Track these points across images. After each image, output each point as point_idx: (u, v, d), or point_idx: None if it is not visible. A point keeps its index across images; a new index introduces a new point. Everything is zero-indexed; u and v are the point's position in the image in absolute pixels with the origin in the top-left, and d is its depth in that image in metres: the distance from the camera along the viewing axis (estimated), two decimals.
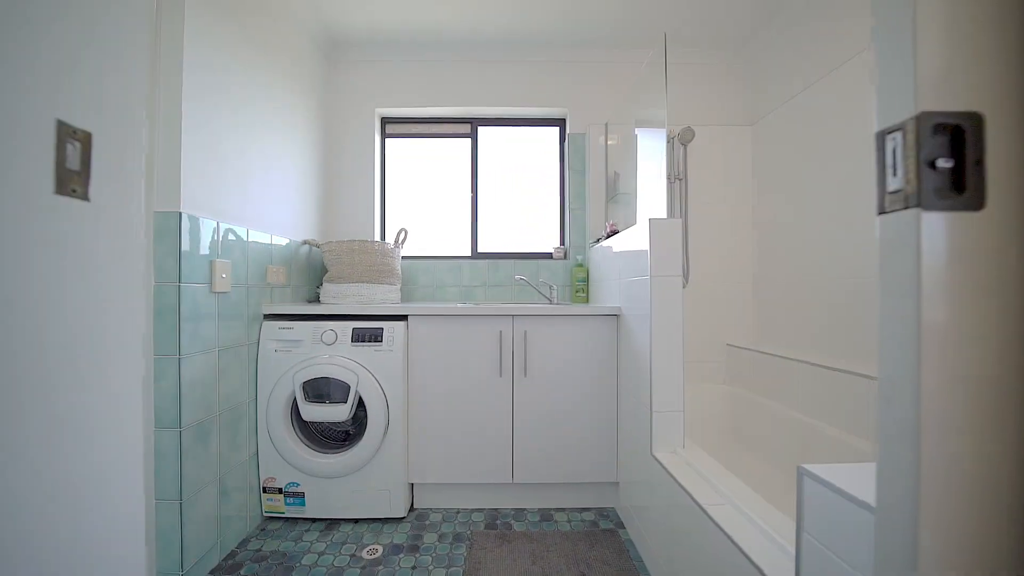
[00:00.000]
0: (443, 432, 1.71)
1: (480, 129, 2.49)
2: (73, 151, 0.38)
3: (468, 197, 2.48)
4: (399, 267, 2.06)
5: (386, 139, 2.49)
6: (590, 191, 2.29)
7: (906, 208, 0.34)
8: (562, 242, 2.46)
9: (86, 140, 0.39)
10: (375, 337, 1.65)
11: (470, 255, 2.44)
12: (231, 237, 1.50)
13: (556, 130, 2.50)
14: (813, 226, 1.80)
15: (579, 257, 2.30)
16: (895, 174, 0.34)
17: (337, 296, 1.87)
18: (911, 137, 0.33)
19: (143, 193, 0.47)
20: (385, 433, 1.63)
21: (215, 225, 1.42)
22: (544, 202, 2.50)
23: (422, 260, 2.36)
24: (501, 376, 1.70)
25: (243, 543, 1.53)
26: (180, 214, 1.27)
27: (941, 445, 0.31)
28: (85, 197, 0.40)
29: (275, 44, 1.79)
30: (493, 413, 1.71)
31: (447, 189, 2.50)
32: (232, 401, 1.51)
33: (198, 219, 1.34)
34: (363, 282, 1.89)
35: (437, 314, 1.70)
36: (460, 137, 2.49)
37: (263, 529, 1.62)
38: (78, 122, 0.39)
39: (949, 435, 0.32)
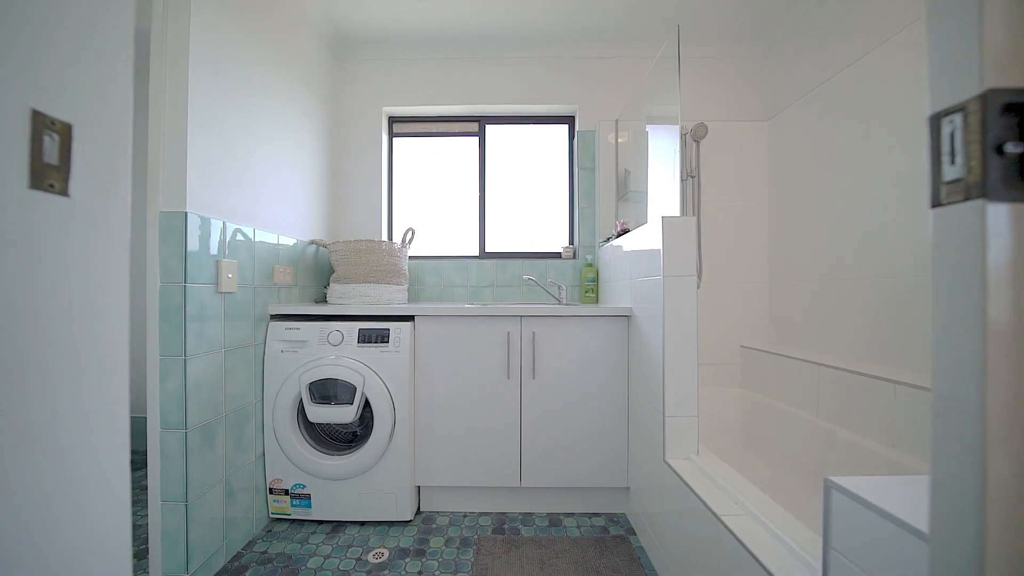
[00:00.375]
0: (450, 434, 1.68)
1: (488, 127, 2.46)
2: (51, 143, 0.36)
3: (476, 196, 2.45)
4: (406, 267, 2.04)
5: (393, 138, 2.48)
6: (600, 189, 2.25)
7: (967, 199, 0.30)
8: (571, 241, 2.42)
9: (65, 132, 0.37)
10: (381, 338, 1.63)
11: (478, 255, 2.42)
12: (239, 237, 1.50)
13: (565, 128, 2.46)
14: (832, 224, 1.73)
15: (589, 257, 2.25)
16: (953, 162, 0.30)
17: (344, 296, 1.86)
18: (975, 119, 0.29)
19: (130, 189, 0.45)
20: (391, 435, 1.61)
21: (221, 225, 1.41)
22: (553, 201, 2.46)
23: (429, 260, 2.34)
24: (509, 378, 1.66)
25: (249, 545, 1.52)
26: (186, 214, 1.26)
27: (1011, 466, 0.27)
28: (64, 192, 0.38)
29: (282, 42, 1.78)
30: (501, 415, 1.68)
31: (455, 188, 2.48)
32: (238, 402, 1.50)
33: (204, 219, 1.33)
34: (370, 282, 1.88)
35: (444, 315, 1.67)
36: (468, 136, 2.46)
37: (269, 531, 1.61)
38: (57, 112, 0.36)
39: (1022, 453, 0.27)
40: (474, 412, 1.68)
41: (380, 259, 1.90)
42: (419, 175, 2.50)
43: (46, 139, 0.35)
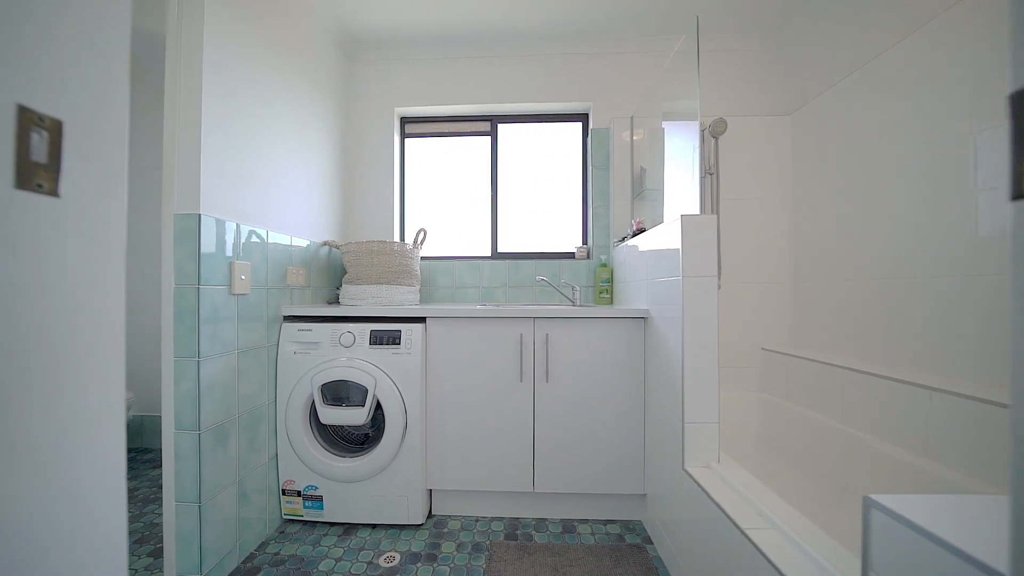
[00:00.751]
0: (462, 438, 1.66)
1: (500, 127, 2.43)
2: (39, 141, 0.34)
3: (488, 196, 2.42)
4: (418, 268, 2.03)
5: (405, 139, 2.47)
6: (614, 188, 2.20)
7: None
8: (585, 241, 2.37)
9: (55, 129, 0.36)
10: (393, 339, 1.62)
11: (490, 255, 2.39)
12: (252, 239, 1.50)
13: (578, 125, 2.41)
14: (860, 221, 1.65)
15: (603, 257, 2.21)
16: None
17: (356, 297, 1.85)
18: None
19: (126, 189, 0.43)
20: (403, 438, 1.60)
21: (235, 227, 1.41)
22: (566, 200, 2.42)
23: (441, 261, 2.33)
24: (522, 381, 1.63)
25: (262, 546, 1.52)
26: (199, 216, 1.27)
27: None
28: (54, 193, 0.36)
29: (293, 44, 1.78)
30: (513, 419, 1.64)
31: (467, 188, 2.46)
32: (252, 403, 1.51)
33: (217, 221, 1.33)
34: (382, 283, 1.87)
35: (456, 316, 1.65)
36: (480, 135, 2.44)
37: (282, 532, 1.61)
38: (45, 108, 0.35)
39: None
40: (486, 415, 1.65)
41: (392, 260, 1.89)
42: (431, 175, 2.49)
43: (34, 136, 0.34)
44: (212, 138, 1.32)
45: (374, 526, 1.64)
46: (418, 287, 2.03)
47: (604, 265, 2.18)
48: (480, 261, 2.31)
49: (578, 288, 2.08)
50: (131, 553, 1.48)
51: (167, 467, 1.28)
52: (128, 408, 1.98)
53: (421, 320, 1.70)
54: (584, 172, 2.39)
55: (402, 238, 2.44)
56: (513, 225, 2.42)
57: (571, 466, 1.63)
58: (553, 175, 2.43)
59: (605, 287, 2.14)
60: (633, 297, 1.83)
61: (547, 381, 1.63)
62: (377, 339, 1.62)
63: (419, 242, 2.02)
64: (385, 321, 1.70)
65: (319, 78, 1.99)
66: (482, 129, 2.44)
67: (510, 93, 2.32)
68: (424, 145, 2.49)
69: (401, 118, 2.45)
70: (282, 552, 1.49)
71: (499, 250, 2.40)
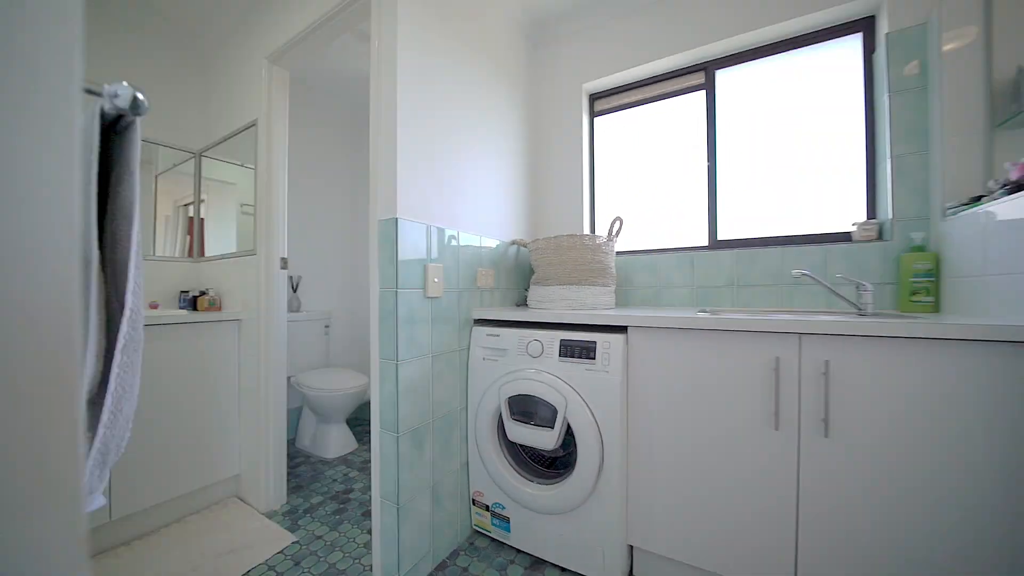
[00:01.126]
0: (677, 491, 1.23)
1: (718, 74, 1.84)
2: None
3: (703, 169, 1.87)
4: (613, 264, 1.68)
5: (595, 118, 2.16)
6: (942, 119, 1.32)
7: None
8: (872, 214, 1.54)
9: None
10: (587, 352, 1.33)
11: (707, 245, 1.84)
12: (447, 242, 1.47)
13: (856, 40, 1.59)
14: None
15: (916, 236, 1.36)
16: None
17: (543, 300, 1.65)
18: None
19: (81, 77, 0.26)
20: (598, 475, 1.28)
21: (429, 229, 1.39)
22: (829, 157, 1.63)
23: (639, 255, 1.92)
24: (778, 429, 1.08)
25: (453, 555, 1.47)
26: (396, 220, 1.26)
27: None
28: None
29: (480, 39, 1.71)
30: (761, 482, 1.11)
31: (671, 165, 1.97)
32: (445, 408, 1.47)
33: (413, 224, 1.32)
34: (571, 284, 1.60)
35: (669, 327, 1.23)
36: (691, 91, 1.91)
37: (472, 544, 1.54)
38: None
39: None
40: (715, 468, 1.17)
41: (583, 255, 1.61)
42: (624, 156, 2.10)
43: None
44: (405, 140, 1.30)
45: (563, 570, 1.39)
46: (614, 287, 1.69)
47: (919, 248, 1.34)
48: (693, 253, 1.79)
49: (869, 287, 1.33)
50: (356, 525, 1.65)
51: (374, 465, 1.33)
52: (365, 392, 2.33)
53: (621, 330, 1.35)
54: (868, 107, 1.55)
55: (593, 231, 2.15)
56: (741, 204, 1.80)
57: (867, 568, 0.98)
58: (805, 126, 1.68)
59: (922, 285, 1.30)
60: (994, 302, 1.00)
61: (825, 435, 1.02)
62: (568, 351, 1.36)
63: (614, 233, 1.68)
64: (576, 329, 1.42)
65: (504, 72, 1.89)
66: (693, 84, 1.90)
67: (735, 21, 1.71)
68: (617, 122, 2.12)
69: (589, 95, 2.16)
70: (470, 569, 1.40)
71: (719, 237, 1.82)
